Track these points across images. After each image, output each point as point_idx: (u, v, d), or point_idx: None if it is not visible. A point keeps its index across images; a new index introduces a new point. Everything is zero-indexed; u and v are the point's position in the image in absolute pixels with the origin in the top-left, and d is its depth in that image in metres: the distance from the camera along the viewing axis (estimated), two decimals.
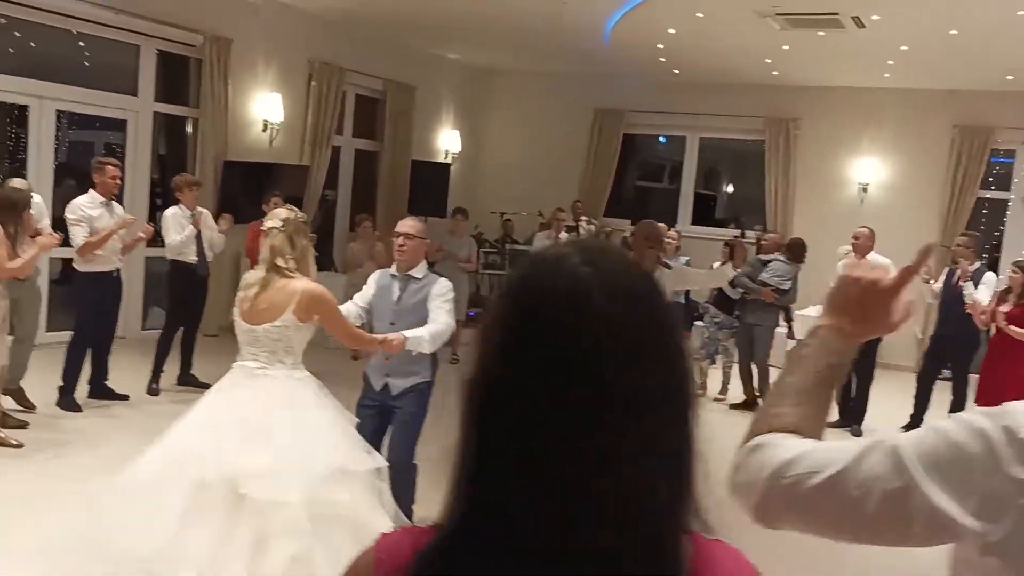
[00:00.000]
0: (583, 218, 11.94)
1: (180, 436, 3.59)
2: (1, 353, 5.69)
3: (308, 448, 3.50)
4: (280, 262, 3.71)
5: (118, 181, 6.80)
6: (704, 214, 13.25)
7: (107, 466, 5.44)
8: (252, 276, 3.82)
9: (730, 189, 14.52)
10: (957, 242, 7.73)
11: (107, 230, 6.56)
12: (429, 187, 12.07)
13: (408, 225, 4.52)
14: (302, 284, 3.72)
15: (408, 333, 4.13)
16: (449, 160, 13.24)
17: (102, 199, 6.68)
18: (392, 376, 4.41)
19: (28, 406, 6.43)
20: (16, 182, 6.35)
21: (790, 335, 8.87)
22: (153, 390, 7.31)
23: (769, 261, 8.66)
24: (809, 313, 9.88)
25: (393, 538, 1.05)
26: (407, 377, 4.41)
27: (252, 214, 9.68)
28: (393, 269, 4.52)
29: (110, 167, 6.72)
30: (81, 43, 8.81)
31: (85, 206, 6.60)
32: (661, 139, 15.55)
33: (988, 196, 11.64)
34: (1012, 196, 11.49)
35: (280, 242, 3.72)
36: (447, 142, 13.48)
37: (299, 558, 3.29)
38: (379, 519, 3.54)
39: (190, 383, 7.59)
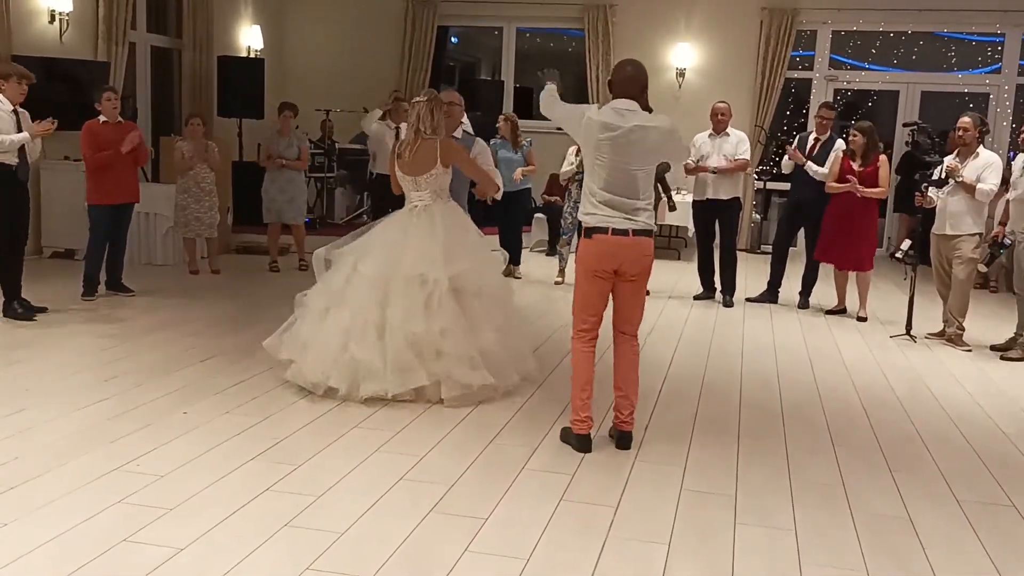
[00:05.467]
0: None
1: (386, 255, 4.83)
2: None
3: (485, 251, 5.22)
4: (422, 127, 4.89)
5: None
6: (526, 107, 13.03)
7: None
8: (404, 139, 4.98)
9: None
10: (819, 113, 8.00)
11: None
12: (240, 87, 11.06)
13: None
14: (438, 141, 4.93)
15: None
16: (252, 57, 12.18)
17: None
18: None
19: None
20: None
21: (671, 206, 8.69)
22: None
23: None
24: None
25: None
26: None
27: (70, 117, 8.42)
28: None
29: None
30: None
31: None
32: (453, 39, 15.13)
33: (796, 76, 12.25)
34: (816, 75, 12.16)
35: (425, 111, 4.88)
36: (249, 38, 12.38)
37: (504, 322, 5.08)
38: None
39: (18, 317, 6.50)
